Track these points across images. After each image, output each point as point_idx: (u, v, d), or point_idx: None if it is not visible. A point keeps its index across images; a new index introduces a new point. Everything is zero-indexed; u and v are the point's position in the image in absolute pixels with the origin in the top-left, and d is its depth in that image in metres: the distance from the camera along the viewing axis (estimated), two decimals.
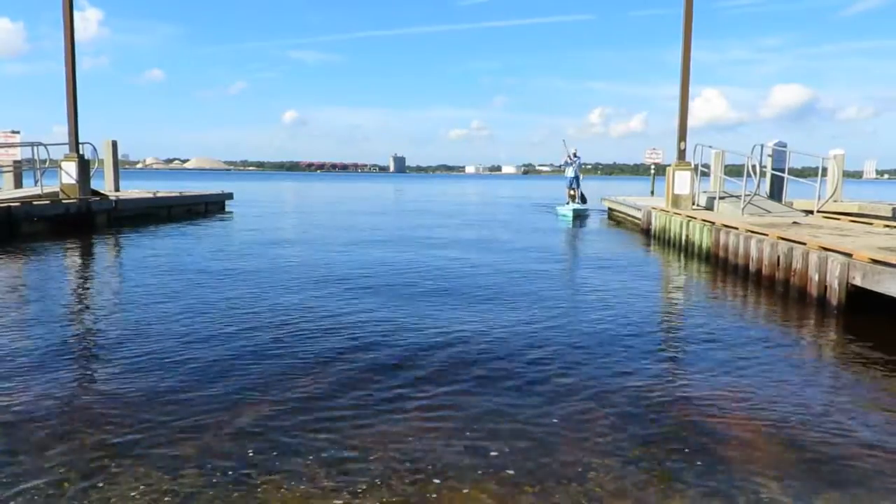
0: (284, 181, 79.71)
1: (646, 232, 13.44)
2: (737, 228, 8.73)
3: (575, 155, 18.99)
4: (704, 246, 9.66)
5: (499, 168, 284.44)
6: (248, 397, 3.73)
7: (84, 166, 14.50)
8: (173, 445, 3.09)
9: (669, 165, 13.50)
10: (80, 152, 14.51)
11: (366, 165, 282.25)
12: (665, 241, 11.82)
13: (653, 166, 23.37)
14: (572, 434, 3.27)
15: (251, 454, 3.00)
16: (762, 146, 12.65)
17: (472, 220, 18.50)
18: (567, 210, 18.07)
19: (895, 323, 5.58)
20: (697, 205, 13.33)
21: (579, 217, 17.84)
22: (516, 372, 4.25)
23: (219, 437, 3.19)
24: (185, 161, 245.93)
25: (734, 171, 14.42)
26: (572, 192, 19.17)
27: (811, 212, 11.50)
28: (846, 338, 5.39)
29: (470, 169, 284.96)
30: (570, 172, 19.16)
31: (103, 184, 18.37)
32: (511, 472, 2.86)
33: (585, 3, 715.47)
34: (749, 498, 2.66)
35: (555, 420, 3.45)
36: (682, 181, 13.04)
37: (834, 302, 6.05)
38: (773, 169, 12.81)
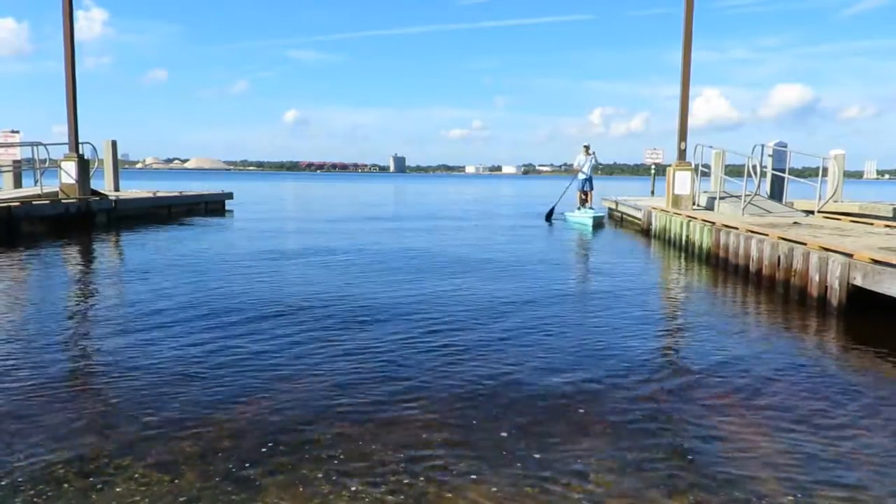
0: (284, 181, 79.68)
1: (646, 232, 13.43)
2: (737, 229, 8.72)
3: (588, 152, 16.70)
4: (705, 246, 9.65)
5: (499, 168, 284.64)
6: (248, 397, 3.72)
7: (84, 166, 14.50)
8: (173, 444, 3.08)
9: (670, 165, 13.49)
10: (80, 152, 14.51)
11: (366, 165, 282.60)
12: (665, 242, 11.81)
13: (653, 166, 23.32)
14: (571, 435, 3.27)
15: (251, 454, 3.00)
16: (762, 146, 12.64)
17: (479, 225, 18.48)
18: (585, 217, 15.55)
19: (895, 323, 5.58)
20: (698, 205, 13.32)
21: (599, 225, 15.46)
22: (515, 371, 4.25)
23: (219, 435, 3.19)
24: (185, 161, 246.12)
25: (734, 171, 14.43)
26: (583, 196, 16.86)
27: (812, 212, 11.49)
28: (847, 338, 5.38)
29: (470, 169, 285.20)
30: (585, 169, 16.66)
31: (103, 184, 18.38)
32: (508, 472, 2.85)
33: (585, 3, 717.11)
34: (749, 497, 2.66)
35: (552, 421, 3.45)
36: (682, 181, 13.03)
37: (834, 302, 6.05)
38: (773, 169, 12.80)
